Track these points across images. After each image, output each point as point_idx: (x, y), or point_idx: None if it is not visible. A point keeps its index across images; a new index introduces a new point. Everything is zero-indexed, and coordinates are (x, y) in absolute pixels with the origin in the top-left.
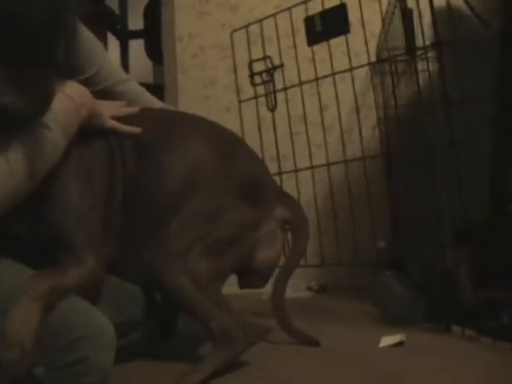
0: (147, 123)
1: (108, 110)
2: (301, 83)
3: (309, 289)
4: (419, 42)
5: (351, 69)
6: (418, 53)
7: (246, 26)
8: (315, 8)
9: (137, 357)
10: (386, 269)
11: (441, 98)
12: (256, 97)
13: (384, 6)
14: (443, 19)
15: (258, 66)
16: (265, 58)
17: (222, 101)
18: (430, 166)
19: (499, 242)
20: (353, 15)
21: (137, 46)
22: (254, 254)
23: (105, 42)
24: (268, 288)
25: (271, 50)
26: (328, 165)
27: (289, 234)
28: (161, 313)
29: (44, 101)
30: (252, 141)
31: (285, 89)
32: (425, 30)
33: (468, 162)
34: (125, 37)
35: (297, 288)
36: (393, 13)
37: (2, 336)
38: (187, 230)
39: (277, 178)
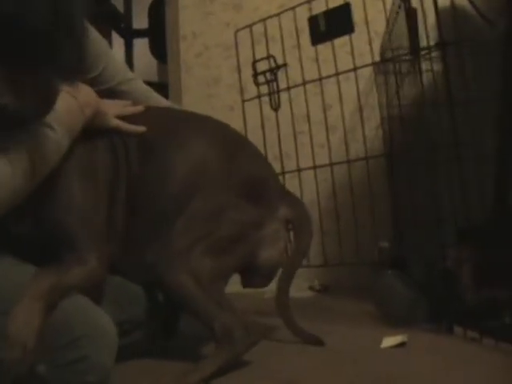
0: (152, 122)
1: (113, 109)
2: (304, 83)
3: (311, 288)
4: (423, 42)
5: (355, 68)
6: (422, 53)
7: (250, 26)
8: (319, 7)
9: (138, 356)
10: (388, 269)
11: (445, 99)
12: (259, 96)
13: (388, 6)
14: (447, 19)
15: (262, 66)
16: (268, 57)
17: (226, 100)
18: (432, 166)
19: (501, 242)
20: (357, 15)
21: (141, 45)
22: (257, 253)
23: (109, 40)
24: (271, 287)
25: (275, 50)
26: (331, 165)
27: (291, 234)
28: (163, 313)
29: (46, 101)
30: (255, 140)
31: (288, 88)
32: (429, 30)
33: (471, 162)
34: (129, 35)
35: (299, 288)
36: (397, 12)
37: (4, 335)
38: (190, 230)
39: (280, 178)
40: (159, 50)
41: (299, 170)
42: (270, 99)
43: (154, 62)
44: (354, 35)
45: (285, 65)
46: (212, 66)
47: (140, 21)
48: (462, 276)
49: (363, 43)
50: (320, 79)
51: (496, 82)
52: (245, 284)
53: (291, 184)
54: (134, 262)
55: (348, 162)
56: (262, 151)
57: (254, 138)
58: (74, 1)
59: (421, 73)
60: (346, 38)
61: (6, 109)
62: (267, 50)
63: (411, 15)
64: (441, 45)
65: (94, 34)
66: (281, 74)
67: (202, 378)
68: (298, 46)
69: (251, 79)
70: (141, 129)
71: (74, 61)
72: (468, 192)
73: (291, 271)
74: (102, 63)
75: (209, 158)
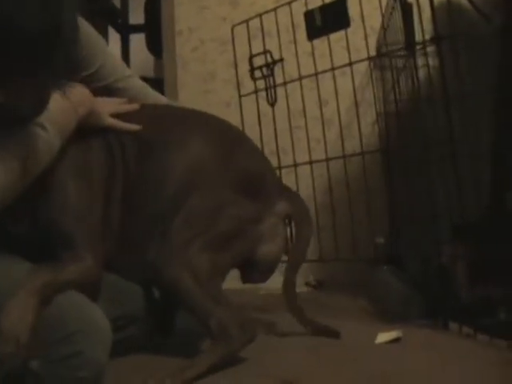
0: (148, 120)
1: (107, 107)
2: (300, 78)
3: (307, 284)
4: (419, 37)
5: (350, 63)
6: (418, 48)
7: (247, 21)
8: (315, 2)
9: (133, 351)
10: (384, 264)
11: (440, 94)
12: (256, 91)
13: (384, 1)
14: (443, 14)
15: (259, 61)
16: (265, 52)
17: (222, 95)
18: (428, 162)
19: (496, 239)
20: (353, 10)
21: (138, 40)
22: (256, 248)
23: (106, 36)
24: (268, 283)
25: (271, 45)
26: (327, 160)
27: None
28: (159, 310)
29: (39, 101)
30: (252, 135)
31: (285, 83)
32: (425, 24)
33: (466, 158)
34: (126, 31)
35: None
36: (393, 7)
37: None
38: (188, 226)
39: (276, 173)
40: (155, 45)
41: (295, 165)
42: (267, 94)
43: (150, 57)
44: (350, 30)
45: (281, 60)
46: (208, 61)
47: (136, 16)
48: (457, 272)
49: (359, 38)
50: (316, 74)
51: (491, 76)
52: (244, 279)
53: (287, 179)
54: (132, 260)
55: (344, 157)
56: (259, 146)
57: (251, 133)
58: (65, 2)
59: (416, 68)
60: (341, 32)
61: None
62: (263, 44)
63: (407, 10)
64: (436, 39)
65: (90, 30)
66: (277, 69)
67: (198, 374)
68: (295, 40)
69: (248, 74)
70: (135, 127)
71: (65, 62)
72: (463, 188)
73: (296, 265)
74: (99, 60)
75: (206, 154)
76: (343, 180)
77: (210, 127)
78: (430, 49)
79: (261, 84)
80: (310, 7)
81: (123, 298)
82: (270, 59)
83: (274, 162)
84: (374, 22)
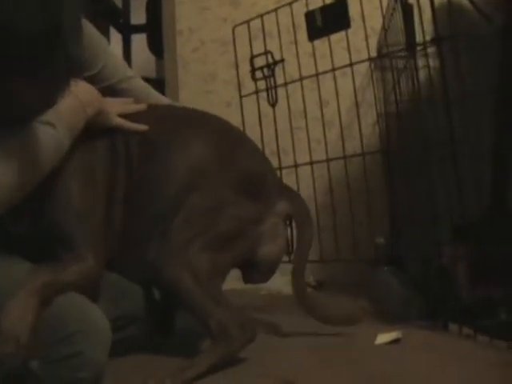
0: (151, 120)
1: (115, 107)
2: (301, 78)
3: (307, 284)
4: (420, 38)
5: (351, 64)
6: (418, 48)
7: (248, 21)
8: (316, 3)
9: (133, 351)
10: (384, 265)
11: (441, 95)
12: (257, 92)
13: (385, 2)
14: (444, 14)
15: (259, 61)
16: (266, 52)
17: (223, 96)
18: (428, 162)
19: (497, 240)
20: (354, 10)
21: (139, 41)
22: (257, 248)
23: (107, 36)
24: (268, 284)
25: (272, 45)
26: (327, 160)
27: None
28: (159, 310)
29: (41, 101)
30: (252, 136)
31: (285, 84)
32: (425, 25)
33: (467, 159)
34: (127, 31)
35: None
36: (393, 8)
37: None
38: (188, 226)
39: (277, 173)
40: (157, 45)
41: (296, 166)
42: (268, 95)
43: (152, 58)
44: (350, 31)
45: (282, 60)
46: (209, 62)
47: (138, 16)
48: (457, 273)
49: (360, 39)
50: (317, 75)
51: (492, 77)
52: (245, 280)
53: (288, 180)
54: (133, 261)
55: (344, 157)
56: (260, 147)
57: (252, 133)
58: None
59: (416, 69)
60: (342, 33)
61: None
62: (264, 45)
63: (407, 11)
64: (436, 40)
65: (92, 31)
66: (278, 70)
67: (198, 374)
68: (295, 41)
69: (248, 75)
70: (143, 127)
71: (65, 63)
72: (464, 189)
73: (301, 265)
74: (101, 61)
75: (207, 154)
76: (344, 181)
77: (211, 127)
78: (431, 50)
79: (261, 84)
80: (311, 8)
81: (123, 298)
82: (270, 60)
83: (275, 163)
84: (375, 22)
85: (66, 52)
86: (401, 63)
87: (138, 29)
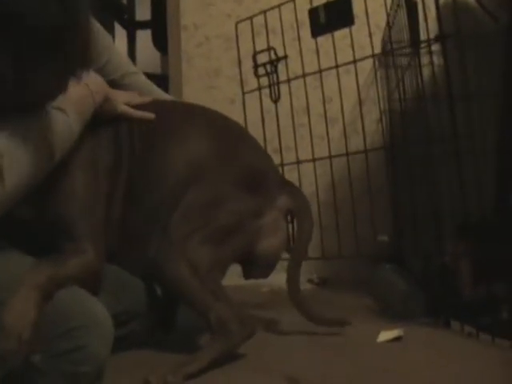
0: (155, 114)
1: (121, 97)
2: (304, 75)
3: (309, 281)
4: (424, 35)
5: (355, 61)
6: (422, 46)
7: (251, 17)
8: None
9: (135, 347)
10: (387, 262)
11: (445, 92)
12: (260, 88)
13: None
14: (448, 12)
15: (262, 58)
16: (269, 49)
17: (227, 92)
18: (432, 160)
19: (500, 238)
20: (358, 7)
21: (144, 37)
22: (257, 242)
23: (112, 32)
24: (269, 280)
25: (275, 42)
26: (330, 157)
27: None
28: (161, 306)
29: (52, 87)
30: (255, 132)
31: (288, 80)
32: (430, 23)
33: (470, 157)
34: (132, 27)
35: None
36: (398, 5)
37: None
38: (187, 220)
39: (279, 170)
40: (162, 41)
41: (298, 163)
42: (270, 91)
43: (157, 54)
44: (355, 28)
45: (285, 57)
46: (213, 58)
47: (143, 12)
48: (459, 271)
49: (364, 36)
50: (320, 71)
51: (496, 75)
52: (246, 275)
53: (290, 176)
54: (135, 255)
55: (347, 154)
56: (262, 143)
57: (255, 129)
58: None
59: (420, 66)
60: (346, 30)
61: (10, 95)
62: (267, 41)
63: (412, 8)
64: (441, 37)
65: (96, 27)
66: (281, 67)
67: (199, 369)
68: (299, 38)
69: (251, 71)
70: (149, 115)
71: (81, 53)
72: (467, 187)
73: (298, 260)
74: (105, 56)
75: (207, 149)
76: (346, 178)
77: (212, 123)
78: (435, 47)
79: (264, 81)
80: (315, 4)
81: (125, 293)
82: (273, 56)
83: (277, 159)
84: (379, 19)
85: (79, 40)
86: (405, 61)
87: (142, 25)
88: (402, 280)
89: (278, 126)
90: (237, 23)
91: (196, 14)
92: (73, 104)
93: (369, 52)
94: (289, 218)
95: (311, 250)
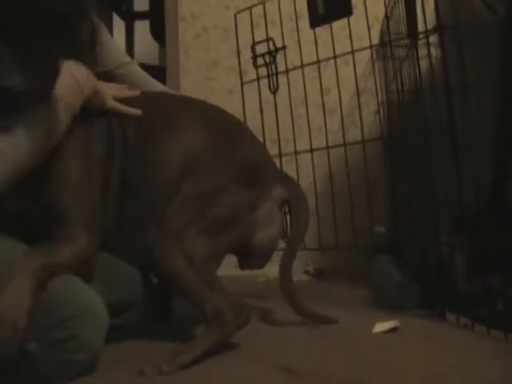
0: (147, 107)
1: (109, 90)
2: (302, 66)
3: (305, 273)
4: (422, 27)
5: (353, 52)
6: (420, 37)
7: (250, 8)
8: None
9: (130, 336)
10: (383, 254)
11: (442, 84)
12: (258, 78)
13: None
14: (446, 3)
15: (261, 48)
16: (267, 39)
17: (225, 83)
18: (428, 152)
19: (496, 230)
20: None
21: (142, 27)
22: (253, 234)
23: (110, 23)
24: (266, 271)
25: (274, 32)
26: (327, 148)
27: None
28: (157, 295)
29: (50, 81)
30: (254, 123)
31: (287, 71)
32: (428, 14)
33: (467, 149)
34: (130, 18)
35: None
36: None
37: None
38: (183, 211)
39: (277, 161)
40: (160, 32)
41: (296, 153)
42: (269, 82)
43: (155, 45)
44: (353, 19)
45: (284, 47)
46: (211, 49)
47: (141, 3)
48: (455, 263)
49: (362, 27)
50: (318, 62)
51: (494, 67)
52: (242, 266)
53: (288, 167)
54: (133, 245)
55: (344, 145)
56: (261, 134)
57: (253, 120)
58: None
59: (418, 58)
60: (344, 21)
61: (14, 89)
62: (266, 32)
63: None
64: (438, 29)
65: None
66: (279, 57)
67: (193, 359)
68: (297, 28)
69: (250, 62)
70: (138, 112)
71: (86, 41)
72: (464, 179)
73: (292, 250)
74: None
75: (203, 141)
76: (344, 168)
77: (207, 115)
78: (433, 39)
79: (263, 72)
80: None
81: (121, 283)
82: (272, 47)
83: (276, 150)
84: (378, 11)
85: (89, 24)
86: (403, 52)
87: (141, 15)
88: (398, 271)
89: (277, 116)
90: (236, 14)
91: (194, 5)
92: (61, 96)
93: (367, 43)
94: (286, 209)
95: (308, 240)
